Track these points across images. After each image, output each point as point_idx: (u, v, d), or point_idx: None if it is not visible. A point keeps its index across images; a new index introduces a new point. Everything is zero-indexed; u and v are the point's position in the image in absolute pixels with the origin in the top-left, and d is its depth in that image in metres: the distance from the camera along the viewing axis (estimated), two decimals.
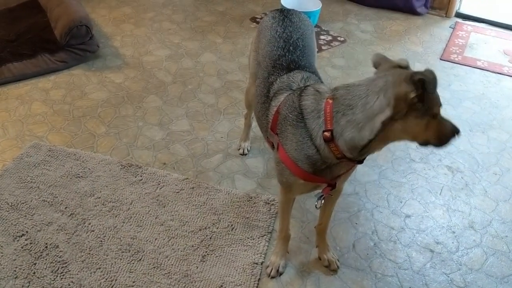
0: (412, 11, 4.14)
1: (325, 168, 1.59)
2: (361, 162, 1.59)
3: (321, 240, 2.01)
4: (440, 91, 3.22)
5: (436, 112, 1.46)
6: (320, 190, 1.73)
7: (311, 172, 1.60)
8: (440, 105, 1.48)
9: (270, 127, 1.76)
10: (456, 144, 2.71)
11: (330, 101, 1.52)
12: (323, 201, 1.75)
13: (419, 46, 3.71)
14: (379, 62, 1.55)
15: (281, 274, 1.96)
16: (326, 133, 1.51)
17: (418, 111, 1.42)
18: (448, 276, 2.01)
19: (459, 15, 4.20)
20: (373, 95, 1.43)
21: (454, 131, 1.53)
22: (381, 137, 1.46)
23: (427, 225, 2.22)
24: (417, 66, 3.43)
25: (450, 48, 3.70)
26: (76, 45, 3.16)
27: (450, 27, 4.03)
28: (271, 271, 1.95)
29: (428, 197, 2.37)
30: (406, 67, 1.51)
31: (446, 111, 2.98)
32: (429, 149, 2.64)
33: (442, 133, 1.51)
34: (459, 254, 2.10)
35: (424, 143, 1.51)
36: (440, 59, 3.55)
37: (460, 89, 3.23)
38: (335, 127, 1.49)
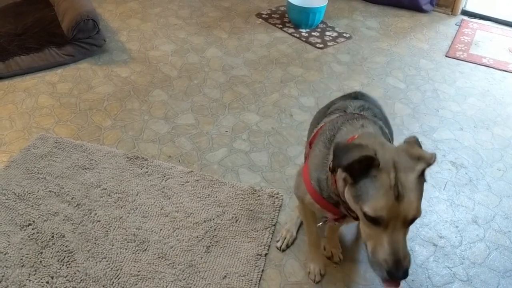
0: (417, 9, 4.15)
1: (331, 199, 1.52)
2: (356, 218, 1.42)
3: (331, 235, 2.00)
4: (445, 87, 3.23)
5: (363, 210, 1.23)
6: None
7: (320, 194, 1.54)
8: (378, 209, 1.20)
9: (309, 140, 1.72)
10: (460, 140, 2.72)
11: (355, 137, 1.41)
12: (325, 224, 1.68)
13: (425, 43, 3.71)
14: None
15: (322, 276, 1.94)
16: (331, 164, 1.43)
17: (350, 190, 1.28)
18: (451, 270, 2.01)
19: (465, 12, 4.20)
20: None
21: (388, 264, 1.21)
22: (347, 199, 1.33)
23: (430, 219, 2.23)
24: (422, 63, 3.44)
25: (455, 45, 3.70)
26: (83, 39, 3.18)
27: (455, 24, 4.03)
28: (314, 277, 1.92)
29: (432, 192, 2.38)
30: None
31: (451, 108, 2.99)
32: (433, 144, 2.65)
33: (374, 244, 1.25)
34: (462, 248, 2.11)
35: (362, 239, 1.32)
36: (446, 56, 3.55)
37: (465, 86, 3.23)
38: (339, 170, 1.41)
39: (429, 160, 1.26)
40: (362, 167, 1.23)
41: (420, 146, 1.35)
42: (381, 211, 1.20)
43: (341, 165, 1.24)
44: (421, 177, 1.26)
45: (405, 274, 1.21)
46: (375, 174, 1.22)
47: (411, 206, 1.21)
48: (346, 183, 1.32)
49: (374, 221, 1.22)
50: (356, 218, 1.39)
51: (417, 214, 1.23)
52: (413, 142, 1.34)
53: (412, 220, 1.24)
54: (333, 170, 1.43)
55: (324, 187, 1.50)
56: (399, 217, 1.21)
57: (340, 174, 1.35)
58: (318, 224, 1.63)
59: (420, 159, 1.26)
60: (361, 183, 1.23)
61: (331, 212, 1.55)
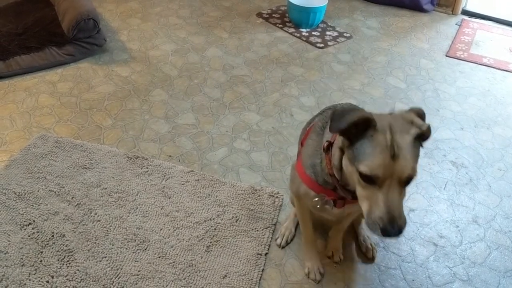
0: (418, 8, 4.15)
1: (328, 185, 1.53)
2: (354, 198, 1.44)
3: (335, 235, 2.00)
4: (446, 87, 3.23)
5: (359, 170, 1.25)
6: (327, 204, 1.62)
7: (315, 181, 1.56)
8: (374, 168, 1.23)
9: (301, 139, 1.74)
10: (461, 139, 2.72)
11: None
12: (321, 204, 1.59)
13: (425, 43, 3.71)
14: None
15: (322, 274, 1.94)
16: (326, 143, 1.48)
17: (347, 153, 1.31)
18: (451, 270, 2.01)
19: (465, 12, 4.20)
20: None
21: (383, 221, 1.24)
22: (344, 165, 1.38)
23: (431, 219, 2.23)
24: (423, 63, 3.43)
25: (456, 45, 3.69)
26: (83, 39, 3.18)
27: (456, 24, 4.02)
28: (314, 276, 1.92)
29: (432, 192, 2.38)
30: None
31: (452, 107, 2.99)
32: (433, 144, 2.65)
33: (369, 205, 1.28)
34: (463, 248, 2.11)
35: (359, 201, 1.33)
36: (446, 55, 3.55)
37: (465, 85, 3.23)
38: (335, 140, 1.46)
39: (420, 126, 1.29)
40: (360, 129, 1.26)
41: (422, 118, 1.36)
42: (377, 169, 1.22)
43: (339, 128, 1.26)
44: (417, 141, 1.29)
45: (399, 232, 1.24)
46: (371, 134, 1.25)
47: (406, 165, 1.23)
48: (342, 153, 1.35)
49: (369, 180, 1.25)
50: (354, 197, 1.40)
51: (412, 173, 1.25)
52: (415, 111, 1.37)
53: (407, 180, 1.26)
54: (327, 150, 1.46)
55: (319, 172, 1.53)
56: (394, 176, 1.23)
57: (336, 144, 1.38)
58: (317, 205, 1.57)
59: (413, 124, 1.30)
60: (358, 144, 1.27)
61: (326, 193, 1.55)
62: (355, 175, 1.29)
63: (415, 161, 1.26)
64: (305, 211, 1.84)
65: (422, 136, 1.30)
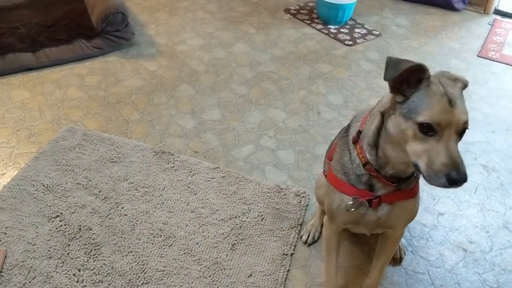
0: (449, 7, 4.07)
1: (362, 184, 1.49)
2: (393, 182, 1.43)
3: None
4: (477, 88, 3.15)
5: (419, 121, 1.23)
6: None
7: (346, 181, 1.51)
8: (435, 115, 1.21)
9: (328, 155, 1.71)
10: (492, 142, 2.66)
11: (367, 114, 1.47)
12: (355, 206, 1.50)
13: (456, 42, 3.63)
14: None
15: None
16: (354, 135, 1.47)
17: (400, 109, 1.28)
18: (481, 276, 1.97)
19: (498, 12, 4.10)
20: None
21: (448, 167, 1.20)
22: (385, 137, 1.36)
23: (460, 223, 2.18)
24: (453, 63, 3.36)
25: (488, 45, 3.61)
26: (112, 32, 3.19)
27: (488, 24, 3.93)
28: None
29: (462, 196, 2.33)
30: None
31: (483, 109, 2.92)
32: (464, 147, 2.59)
33: (428, 157, 1.24)
34: (493, 254, 2.06)
35: (413, 161, 1.29)
36: (478, 56, 3.47)
37: (497, 87, 3.15)
38: (363, 128, 1.44)
39: (464, 81, 1.34)
40: (413, 80, 1.27)
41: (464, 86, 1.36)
42: (438, 116, 1.22)
43: (394, 75, 1.25)
44: (462, 94, 1.31)
45: (464, 178, 1.21)
46: (427, 84, 1.26)
47: (464, 111, 1.24)
48: (382, 121, 1.35)
49: (429, 130, 1.23)
50: (393, 182, 1.42)
51: (468, 120, 1.26)
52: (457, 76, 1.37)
53: (463, 129, 1.26)
54: (357, 139, 1.46)
55: (350, 168, 1.50)
56: (453, 124, 1.23)
57: (375, 113, 1.38)
58: (352, 208, 1.50)
59: (457, 79, 1.34)
60: (414, 97, 1.26)
61: (361, 195, 1.49)
62: (410, 131, 1.26)
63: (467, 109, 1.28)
64: (333, 239, 1.71)
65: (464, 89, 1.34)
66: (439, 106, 1.22)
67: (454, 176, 1.20)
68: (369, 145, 1.42)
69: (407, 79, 1.26)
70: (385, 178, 1.43)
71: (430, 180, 1.24)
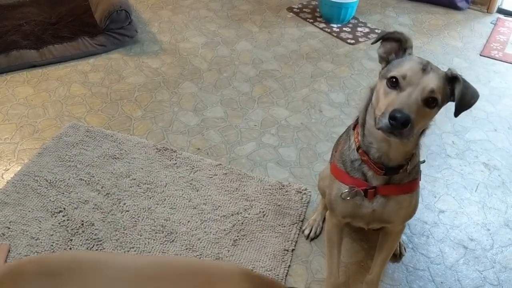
0: (452, 6, 4.06)
1: (356, 172, 1.51)
2: (382, 169, 1.45)
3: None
4: (480, 87, 3.15)
5: (388, 76, 1.31)
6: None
7: (343, 170, 1.54)
8: (403, 70, 1.29)
9: (333, 153, 1.75)
10: (494, 141, 2.66)
11: None
12: (351, 195, 1.52)
13: (459, 41, 3.64)
14: None
15: None
16: (354, 121, 1.54)
17: (380, 75, 1.39)
18: (481, 273, 1.98)
19: (501, 11, 4.10)
20: None
21: (394, 111, 1.24)
22: (370, 111, 1.42)
23: (461, 221, 2.19)
24: (456, 62, 3.37)
25: (490, 44, 3.61)
26: (115, 30, 3.20)
27: (491, 23, 3.93)
28: None
29: (463, 193, 2.33)
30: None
31: (485, 108, 2.92)
32: (465, 145, 2.60)
33: (386, 107, 1.29)
34: (494, 252, 2.07)
35: (375, 116, 1.35)
36: (480, 55, 3.47)
37: (500, 86, 3.16)
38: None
39: (453, 71, 1.36)
40: (401, 53, 1.39)
41: (456, 79, 1.36)
42: (405, 71, 1.29)
43: (382, 35, 1.43)
44: (446, 83, 1.34)
45: (407, 119, 1.23)
46: (410, 53, 1.38)
47: (434, 80, 1.29)
48: (371, 96, 1.42)
49: (394, 84, 1.30)
50: (381, 169, 1.44)
51: (436, 90, 1.28)
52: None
53: (429, 98, 1.28)
54: (354, 127, 1.51)
55: (347, 155, 1.53)
56: (419, 86, 1.28)
57: (366, 93, 1.48)
58: (347, 197, 1.53)
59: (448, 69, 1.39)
60: (394, 61, 1.37)
61: (357, 185, 1.52)
62: (382, 88, 1.33)
63: (440, 88, 1.30)
64: (335, 231, 1.73)
65: (452, 81, 1.35)
66: (409, 65, 1.30)
67: (396, 114, 1.23)
68: (361, 125, 1.47)
69: (395, 51, 1.40)
70: (374, 163, 1.45)
71: (378, 124, 1.29)
